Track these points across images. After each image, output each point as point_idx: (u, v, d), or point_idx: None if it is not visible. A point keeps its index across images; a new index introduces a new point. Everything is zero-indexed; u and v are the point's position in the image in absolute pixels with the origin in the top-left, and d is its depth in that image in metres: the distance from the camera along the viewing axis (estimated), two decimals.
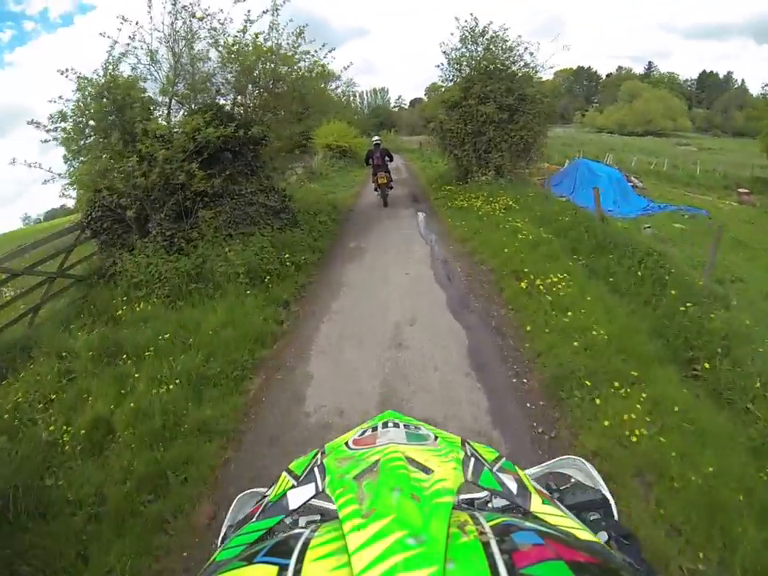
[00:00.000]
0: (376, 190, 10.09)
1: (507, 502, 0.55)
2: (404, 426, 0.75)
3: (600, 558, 0.38)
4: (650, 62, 72.50)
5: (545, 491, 0.61)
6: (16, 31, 72.17)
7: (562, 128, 50.68)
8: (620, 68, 74.25)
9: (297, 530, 0.43)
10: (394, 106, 70.89)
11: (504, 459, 0.66)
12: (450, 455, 0.59)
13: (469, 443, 0.68)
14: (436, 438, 0.69)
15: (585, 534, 0.44)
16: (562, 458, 0.87)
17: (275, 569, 0.35)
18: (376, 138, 10.87)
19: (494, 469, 0.60)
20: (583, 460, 0.83)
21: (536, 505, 0.52)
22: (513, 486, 0.56)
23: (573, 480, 0.80)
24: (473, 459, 0.60)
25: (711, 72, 74.13)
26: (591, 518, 0.65)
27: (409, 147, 32.33)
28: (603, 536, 0.61)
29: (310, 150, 20.76)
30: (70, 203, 6.61)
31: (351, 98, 33.64)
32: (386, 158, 9.62)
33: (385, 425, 0.76)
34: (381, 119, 56.86)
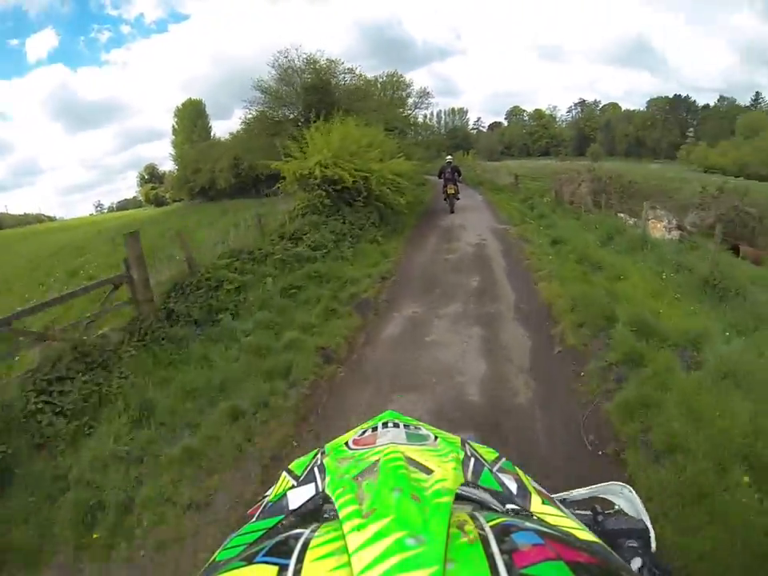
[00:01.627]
0: (446, 199, 12.38)
1: (507, 502, 0.56)
2: (404, 425, 0.73)
3: (600, 558, 0.38)
4: (756, 93, 56.72)
5: (545, 491, 0.61)
6: (113, 33, 79.85)
7: (659, 164, 42.24)
8: (722, 98, 59.00)
9: (297, 530, 0.42)
10: (472, 128, 61.16)
11: (504, 459, 0.66)
12: (449, 455, 0.57)
13: (469, 443, 0.67)
14: (436, 438, 0.67)
15: (585, 534, 0.44)
16: (609, 483, 0.87)
17: (275, 569, 0.35)
18: (449, 157, 13.60)
19: (494, 469, 0.60)
20: (631, 489, 0.82)
21: (536, 505, 0.52)
22: (513, 486, 0.56)
23: (617, 507, 0.82)
24: (473, 459, 0.60)
25: None
26: (628, 545, 0.66)
27: (494, 181, 19.91)
28: (637, 562, 0.63)
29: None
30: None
31: (425, 111, 24.71)
32: (456, 174, 12.23)
33: (385, 425, 0.74)
34: (458, 140, 47.25)
